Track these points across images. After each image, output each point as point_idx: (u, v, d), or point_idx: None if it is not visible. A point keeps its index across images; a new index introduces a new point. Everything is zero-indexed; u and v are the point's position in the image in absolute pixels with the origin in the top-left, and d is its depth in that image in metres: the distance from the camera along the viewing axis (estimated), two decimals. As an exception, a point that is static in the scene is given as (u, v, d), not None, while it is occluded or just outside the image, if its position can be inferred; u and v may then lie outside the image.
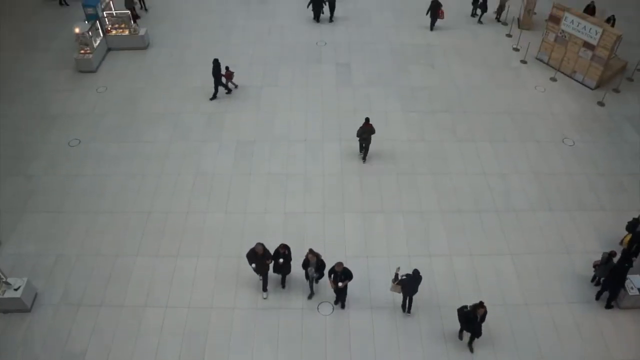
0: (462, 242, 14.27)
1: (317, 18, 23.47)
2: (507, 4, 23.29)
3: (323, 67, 20.55)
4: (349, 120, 17.76)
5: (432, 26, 22.73)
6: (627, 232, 13.91)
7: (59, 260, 13.76)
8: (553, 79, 20.32)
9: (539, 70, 20.76)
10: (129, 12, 21.72)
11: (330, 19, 23.46)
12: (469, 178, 16.07)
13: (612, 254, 12.67)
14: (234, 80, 19.15)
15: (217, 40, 22.07)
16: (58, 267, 13.60)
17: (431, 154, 16.84)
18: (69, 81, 19.96)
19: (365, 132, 15.93)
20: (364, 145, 16.29)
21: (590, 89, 19.86)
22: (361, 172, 16.14)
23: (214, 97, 18.76)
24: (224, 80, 18.77)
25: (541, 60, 21.21)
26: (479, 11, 23.44)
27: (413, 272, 11.86)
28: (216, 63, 18.20)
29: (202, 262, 13.69)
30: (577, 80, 20.21)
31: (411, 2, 24.77)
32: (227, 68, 18.78)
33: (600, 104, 19.19)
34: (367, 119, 15.90)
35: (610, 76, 20.22)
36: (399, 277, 11.89)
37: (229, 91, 19.06)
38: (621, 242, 14.04)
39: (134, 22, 21.97)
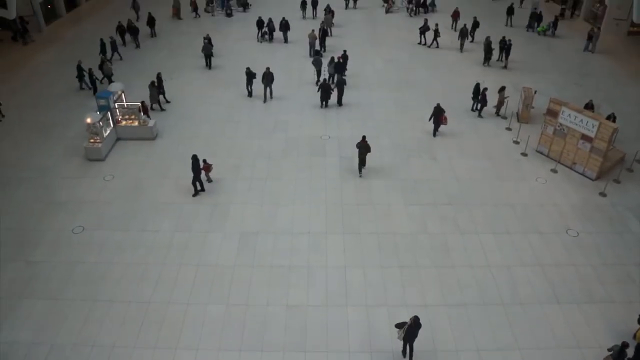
0: (468, 336, 13.89)
1: (325, 104, 24.75)
2: (505, 100, 24.04)
3: (327, 160, 20.95)
4: (352, 213, 17.89)
5: (434, 132, 22.55)
6: (639, 325, 13.56)
7: (52, 350, 13.40)
8: (554, 171, 20.59)
9: (540, 162, 21.10)
10: (139, 104, 22.48)
11: (339, 103, 24.88)
12: (473, 271, 15.90)
13: (624, 345, 12.30)
14: (210, 174, 19.33)
15: (223, 134, 22.68)
16: (51, 357, 13.21)
17: (434, 247, 16.77)
18: (78, 169, 20.37)
19: (362, 148, 19.50)
20: (360, 159, 19.69)
21: (591, 180, 20.07)
22: (364, 265, 16.02)
23: (196, 193, 18.81)
24: (203, 174, 19.00)
25: (541, 153, 21.60)
26: (478, 105, 24.19)
27: (413, 320, 12.43)
28: (195, 159, 18.46)
29: (201, 355, 13.29)
30: (577, 172, 20.47)
31: (412, 97, 25.76)
32: (204, 161, 19.04)
33: (602, 194, 19.32)
34: (363, 137, 19.61)
35: (610, 167, 20.50)
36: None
37: (203, 188, 19.07)
38: (634, 336, 13.62)
39: (146, 114, 22.66)
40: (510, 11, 35.57)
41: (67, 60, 29.17)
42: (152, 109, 24.17)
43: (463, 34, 30.23)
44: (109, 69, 26.35)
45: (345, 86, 25.27)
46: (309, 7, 36.91)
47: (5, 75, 26.04)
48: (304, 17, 37.10)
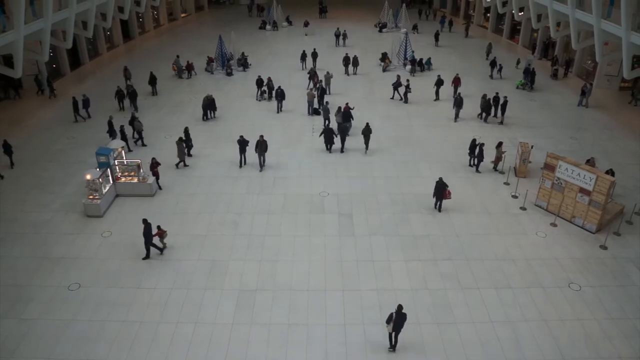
0: (473, 397, 13.47)
1: (329, 149, 25.96)
2: (503, 155, 24.24)
3: (325, 217, 20.87)
4: (351, 270, 17.72)
5: (439, 208, 21.21)
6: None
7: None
8: (553, 225, 20.53)
9: (539, 216, 21.06)
10: (139, 161, 22.56)
11: (342, 150, 25.94)
12: (475, 327, 15.57)
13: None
14: (164, 240, 19.00)
15: (222, 191, 22.70)
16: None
17: (435, 303, 16.48)
18: (75, 225, 20.26)
19: (366, 130, 24.48)
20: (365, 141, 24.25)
21: (592, 233, 19.98)
22: (364, 322, 15.70)
23: (147, 257, 18.44)
24: (158, 240, 18.77)
25: (540, 207, 21.60)
26: (475, 161, 24.38)
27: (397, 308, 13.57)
28: (146, 223, 18.25)
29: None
30: (577, 225, 20.41)
31: (410, 153, 26.01)
32: (158, 227, 18.77)
33: (603, 247, 19.18)
34: (367, 123, 24.46)
35: (610, 220, 20.45)
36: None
37: (161, 251, 18.76)
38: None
39: (155, 175, 22.61)
40: (493, 64, 37.29)
41: (69, 117, 29.65)
42: (177, 167, 24.49)
43: (458, 104, 29.41)
44: (139, 125, 26.65)
45: (348, 134, 26.71)
46: (309, 58, 38.97)
47: (8, 131, 26.33)
48: (303, 69, 38.51)
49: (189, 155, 25.22)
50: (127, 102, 30.97)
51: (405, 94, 32.28)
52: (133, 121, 26.67)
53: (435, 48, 42.10)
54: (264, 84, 32.65)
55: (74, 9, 32.49)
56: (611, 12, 29.36)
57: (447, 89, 32.48)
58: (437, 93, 32.52)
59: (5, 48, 27.19)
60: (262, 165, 24.25)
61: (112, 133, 26.43)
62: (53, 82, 33.93)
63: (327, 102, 30.12)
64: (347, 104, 28.15)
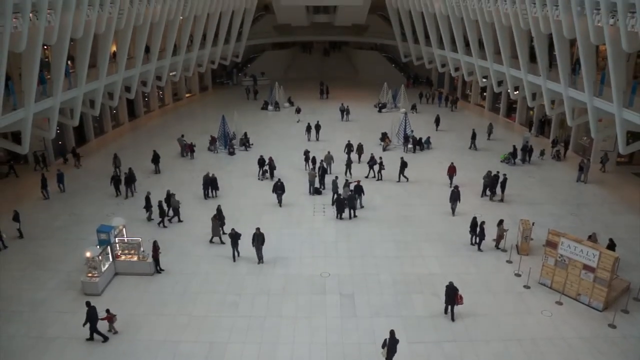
0: None
1: (340, 216, 27.11)
2: (504, 233, 24.16)
3: (327, 298, 20.57)
4: (353, 352, 17.28)
5: (452, 315, 19.28)
6: None
7: None
8: (559, 303, 20.16)
9: (543, 295, 20.71)
10: (139, 239, 22.52)
11: (353, 216, 27.26)
12: (483, 413, 14.97)
13: None
14: (114, 324, 18.49)
15: (223, 271, 22.51)
16: None
17: (441, 386, 15.96)
18: (72, 303, 19.96)
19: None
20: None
21: (599, 311, 19.57)
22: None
23: (91, 338, 17.92)
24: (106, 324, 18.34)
25: (544, 285, 21.29)
26: (477, 239, 24.30)
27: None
28: (89, 307, 17.87)
29: None
30: (583, 303, 20.03)
31: (411, 232, 25.95)
32: (107, 311, 18.38)
33: (612, 326, 18.74)
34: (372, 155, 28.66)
35: (616, 297, 20.11)
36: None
37: (105, 339, 18.07)
38: None
39: (156, 260, 22.41)
40: (474, 136, 39.12)
41: (70, 193, 30.04)
42: (212, 241, 24.64)
43: (455, 198, 27.53)
44: (175, 202, 26.89)
45: (362, 206, 28.41)
46: (313, 130, 41.34)
47: (9, 207, 26.45)
48: (309, 140, 40.61)
49: (224, 232, 25.17)
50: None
51: (380, 172, 32.73)
52: (169, 198, 26.91)
53: (435, 132, 42.40)
54: (266, 163, 33.05)
55: (82, 89, 33.53)
56: (602, 90, 30.24)
57: (442, 175, 32.39)
58: (400, 175, 32.78)
59: (14, 125, 27.93)
60: (260, 258, 23.14)
61: (148, 208, 26.79)
62: (57, 159, 34.45)
63: (336, 177, 30.55)
64: (358, 181, 29.72)
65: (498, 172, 30.22)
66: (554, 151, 37.16)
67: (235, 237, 23.07)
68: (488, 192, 29.99)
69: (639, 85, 27.91)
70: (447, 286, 19.25)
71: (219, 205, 25.87)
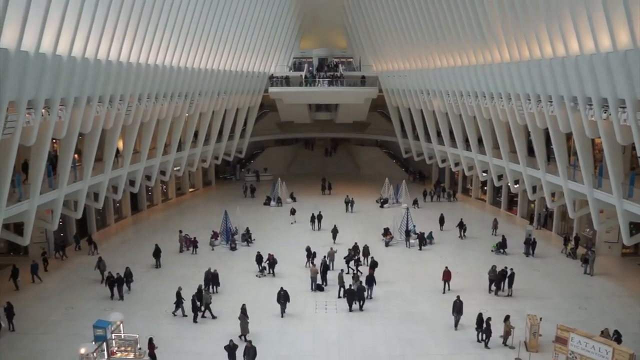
0: None
1: (350, 308, 27.10)
2: (512, 329, 23.45)
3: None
4: None
5: None
6: None
7: None
8: (573, 403, 19.19)
9: (557, 394, 19.77)
10: (136, 335, 21.88)
11: (360, 309, 27.16)
12: None
13: None
14: None
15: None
16: None
17: None
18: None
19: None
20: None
21: (616, 410, 18.60)
22: None
23: None
24: None
25: (557, 382, 20.40)
26: (483, 336, 23.58)
27: None
28: None
29: None
30: (599, 404, 19.07)
31: (415, 331, 25.21)
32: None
33: None
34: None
35: (634, 398, 19.16)
36: None
37: None
38: None
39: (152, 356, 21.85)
40: (461, 225, 40.16)
41: (68, 286, 29.70)
42: (241, 338, 23.70)
43: (457, 310, 25.33)
44: (207, 297, 26.57)
45: (371, 297, 28.36)
46: (316, 221, 42.38)
47: (6, 300, 25.96)
48: (313, 230, 41.67)
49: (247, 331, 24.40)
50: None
51: (357, 266, 32.40)
52: (200, 293, 26.52)
53: (440, 231, 42.23)
54: (265, 260, 32.60)
55: (87, 182, 34.02)
56: (601, 182, 30.59)
57: (437, 281, 30.74)
58: (347, 264, 32.90)
59: (17, 216, 28.06)
60: None
61: (179, 304, 26.34)
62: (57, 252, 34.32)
63: (342, 270, 30.47)
64: (370, 271, 29.65)
65: (505, 267, 29.75)
66: (569, 249, 35.61)
67: (231, 349, 21.57)
68: (493, 287, 29.45)
69: (638, 177, 28.30)
70: None
71: (243, 305, 24.86)
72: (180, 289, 26.78)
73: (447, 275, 29.73)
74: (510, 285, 29.11)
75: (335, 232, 38.97)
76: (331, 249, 33.93)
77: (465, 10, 37.68)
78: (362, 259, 33.85)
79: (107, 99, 33.26)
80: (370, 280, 28.79)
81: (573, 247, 35.62)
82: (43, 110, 26.88)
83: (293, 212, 45.05)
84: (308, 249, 33.92)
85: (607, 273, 32.07)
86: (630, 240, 29.55)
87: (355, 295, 27.16)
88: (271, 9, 52.62)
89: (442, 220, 42.67)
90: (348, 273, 31.47)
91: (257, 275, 32.35)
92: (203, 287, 27.99)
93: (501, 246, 36.33)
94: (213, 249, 37.62)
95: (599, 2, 24.78)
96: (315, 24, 63.41)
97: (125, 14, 32.06)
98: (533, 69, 32.90)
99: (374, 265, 30.37)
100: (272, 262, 32.26)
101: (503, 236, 36.90)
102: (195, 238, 37.18)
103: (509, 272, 29.25)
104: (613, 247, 34.96)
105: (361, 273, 30.62)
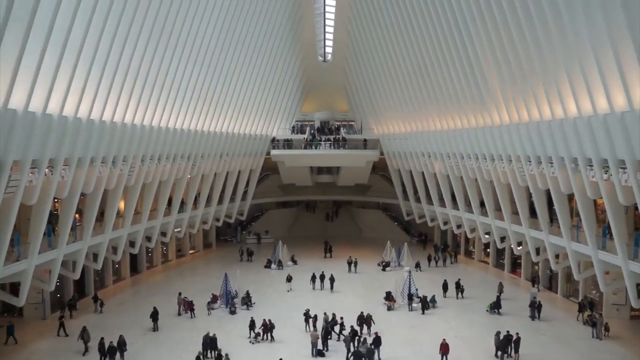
0: None
1: None
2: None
3: None
4: None
5: None
6: None
7: None
8: None
9: None
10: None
11: None
12: None
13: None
14: None
15: None
16: None
17: None
18: None
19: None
20: None
21: None
22: None
23: None
24: None
25: None
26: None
27: None
28: None
29: None
30: None
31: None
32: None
33: None
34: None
35: None
36: None
37: None
38: None
39: None
40: (458, 285, 40.00)
41: (64, 349, 28.89)
42: None
43: None
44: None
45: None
46: (317, 280, 42.24)
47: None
48: (314, 289, 41.61)
49: None
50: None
51: (340, 332, 31.26)
52: (220, 359, 26.37)
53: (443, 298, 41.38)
54: (260, 326, 31.52)
55: (87, 242, 33.77)
56: (606, 243, 30.28)
57: (449, 337, 29.40)
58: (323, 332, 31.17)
59: (13, 276, 27.72)
60: None
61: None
62: (53, 312, 33.60)
63: (322, 352, 29.33)
64: (376, 332, 29.09)
65: (508, 331, 28.96)
66: (585, 316, 33.63)
67: None
68: (499, 353, 28.56)
69: (642, 237, 28.07)
70: None
71: None
72: (200, 353, 26.77)
73: (444, 348, 28.09)
74: (516, 350, 28.21)
75: (332, 280, 40.69)
76: (333, 314, 32.49)
77: (464, 73, 38.63)
78: (365, 329, 31.69)
79: (110, 159, 33.59)
80: (378, 341, 28.09)
81: (590, 314, 33.41)
82: (46, 169, 27.06)
83: (289, 279, 43.07)
84: (306, 313, 32.85)
85: (616, 337, 31.12)
86: (638, 303, 28.92)
87: (365, 357, 26.53)
88: (274, 73, 54.09)
89: (445, 287, 40.80)
90: (331, 338, 30.59)
91: (250, 342, 31.25)
92: (201, 352, 27.16)
93: (495, 306, 35.82)
94: (210, 314, 36.50)
95: (593, 65, 25.40)
96: (317, 87, 64.99)
97: (132, 78, 32.90)
98: (532, 131, 33.33)
99: (377, 342, 28.20)
100: (269, 327, 31.30)
101: (498, 296, 36.56)
102: (192, 301, 36.36)
103: (514, 337, 28.43)
104: (621, 310, 34.15)
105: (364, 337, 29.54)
